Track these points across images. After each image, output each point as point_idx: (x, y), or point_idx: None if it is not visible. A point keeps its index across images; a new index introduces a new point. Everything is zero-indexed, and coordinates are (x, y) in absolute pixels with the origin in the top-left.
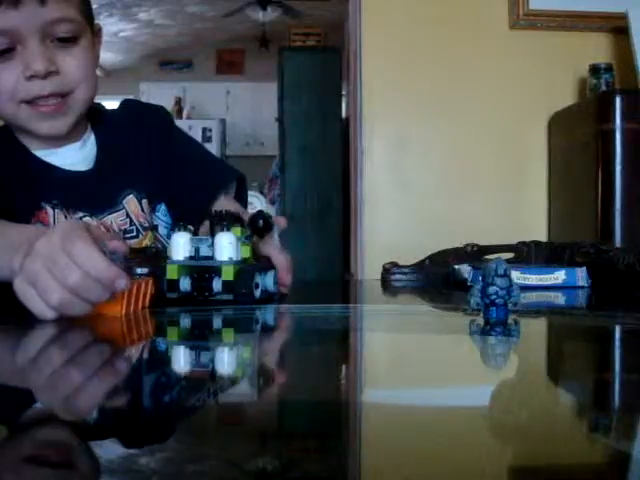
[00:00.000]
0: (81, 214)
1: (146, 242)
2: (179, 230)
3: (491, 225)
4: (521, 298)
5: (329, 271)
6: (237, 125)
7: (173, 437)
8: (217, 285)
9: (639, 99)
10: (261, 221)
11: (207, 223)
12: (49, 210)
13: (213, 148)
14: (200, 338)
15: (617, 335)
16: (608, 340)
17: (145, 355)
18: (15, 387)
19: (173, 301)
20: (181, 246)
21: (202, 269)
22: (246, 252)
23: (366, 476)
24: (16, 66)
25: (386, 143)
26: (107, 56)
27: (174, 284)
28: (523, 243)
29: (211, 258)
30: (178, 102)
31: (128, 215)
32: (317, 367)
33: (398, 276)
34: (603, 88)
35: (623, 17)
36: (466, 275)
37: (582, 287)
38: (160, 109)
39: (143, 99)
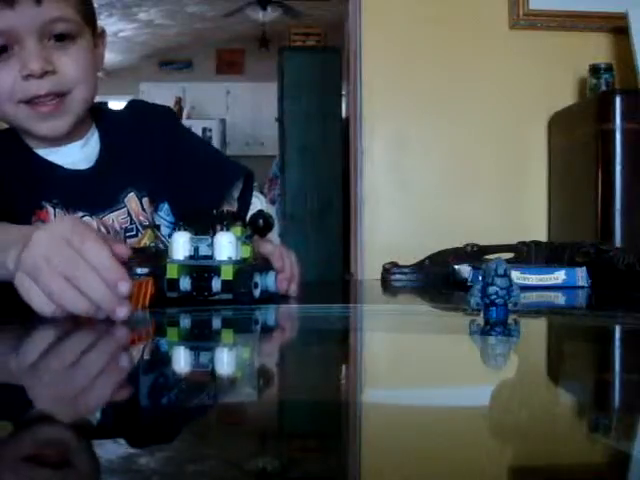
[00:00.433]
0: (81, 213)
1: (145, 241)
2: (179, 230)
3: (491, 225)
4: (521, 298)
5: (329, 271)
6: (237, 125)
7: (173, 437)
8: (216, 285)
9: (639, 99)
10: (261, 221)
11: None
12: (50, 209)
13: None
14: (200, 338)
15: (617, 335)
16: (608, 340)
17: (145, 355)
18: (15, 386)
19: (173, 301)
20: (181, 245)
21: (201, 268)
22: (246, 252)
23: (366, 476)
24: (13, 66)
25: (386, 143)
26: (107, 56)
27: (174, 283)
28: (523, 243)
29: (210, 257)
30: (178, 102)
31: (129, 213)
32: (317, 367)
33: (398, 276)
34: (603, 88)
35: (623, 17)
36: (466, 275)
37: (582, 287)
38: (166, 109)
39: (143, 99)
